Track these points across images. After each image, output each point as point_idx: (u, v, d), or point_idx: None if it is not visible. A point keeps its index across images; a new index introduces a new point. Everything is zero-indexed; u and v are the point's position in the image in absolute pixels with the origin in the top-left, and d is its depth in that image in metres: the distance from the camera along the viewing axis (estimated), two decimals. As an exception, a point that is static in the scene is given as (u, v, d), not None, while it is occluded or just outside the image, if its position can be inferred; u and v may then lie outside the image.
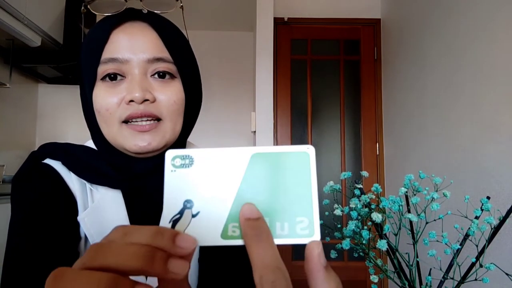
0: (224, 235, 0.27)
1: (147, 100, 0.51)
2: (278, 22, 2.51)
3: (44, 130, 2.67)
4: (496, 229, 0.66)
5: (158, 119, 0.53)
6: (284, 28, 2.54)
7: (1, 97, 2.20)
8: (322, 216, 0.77)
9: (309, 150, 0.29)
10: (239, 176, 0.27)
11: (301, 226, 0.27)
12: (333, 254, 0.70)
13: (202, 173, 0.28)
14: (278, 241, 0.27)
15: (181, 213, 0.27)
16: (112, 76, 0.52)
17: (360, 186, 0.70)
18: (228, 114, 2.95)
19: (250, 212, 0.26)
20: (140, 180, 0.54)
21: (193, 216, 0.27)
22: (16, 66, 2.18)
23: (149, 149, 0.52)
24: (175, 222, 0.27)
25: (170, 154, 0.28)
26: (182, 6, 0.59)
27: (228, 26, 2.95)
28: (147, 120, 0.52)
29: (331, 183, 0.72)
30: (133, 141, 0.51)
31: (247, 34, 3.00)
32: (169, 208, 0.27)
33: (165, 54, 0.53)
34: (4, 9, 1.58)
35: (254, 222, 0.25)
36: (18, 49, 2.02)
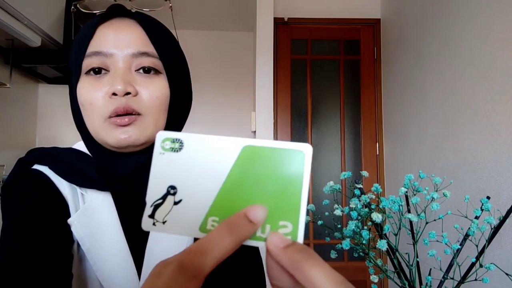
0: (203, 228, 0.26)
1: (129, 93, 0.50)
2: (278, 22, 2.51)
3: (44, 130, 2.67)
4: (496, 229, 0.66)
5: (139, 114, 0.52)
6: (284, 28, 2.54)
7: (1, 97, 2.20)
8: (322, 216, 0.77)
9: (305, 149, 0.26)
10: (227, 168, 0.26)
11: (284, 231, 0.25)
12: (333, 254, 0.70)
13: (190, 160, 0.26)
14: (254, 243, 0.25)
15: (163, 198, 0.26)
16: (96, 70, 0.51)
17: (360, 186, 0.70)
18: (228, 114, 2.96)
19: (283, 240, 0.24)
20: (127, 182, 0.54)
21: (175, 203, 0.26)
22: (16, 66, 2.18)
23: (130, 142, 0.51)
24: (156, 206, 0.26)
25: (160, 135, 0.27)
26: (171, 6, 0.60)
27: (228, 26, 2.95)
28: (129, 115, 0.51)
29: (331, 183, 0.72)
30: (114, 134, 0.51)
31: (247, 34, 3.00)
32: (153, 192, 0.27)
33: (151, 49, 0.53)
34: (4, 9, 1.58)
35: (295, 247, 0.24)
36: (18, 49, 2.01)
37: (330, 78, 2.56)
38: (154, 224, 0.27)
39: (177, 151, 0.27)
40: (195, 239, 0.61)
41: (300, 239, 0.25)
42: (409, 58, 2.06)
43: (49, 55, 2.11)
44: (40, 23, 1.83)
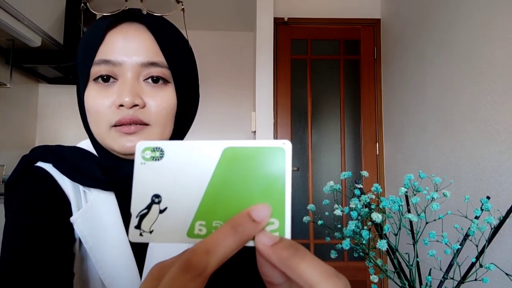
0: (190, 233, 0.26)
1: (136, 105, 0.50)
2: (278, 22, 2.51)
3: (44, 130, 2.67)
4: (496, 229, 0.66)
5: (146, 124, 0.52)
6: (284, 28, 2.54)
7: (1, 97, 2.20)
8: (322, 216, 0.77)
9: (285, 145, 0.26)
10: (209, 171, 0.26)
11: (271, 228, 0.25)
12: (333, 254, 0.70)
13: (171, 167, 0.26)
14: (248, 243, 0.25)
15: (148, 208, 0.26)
16: (104, 77, 0.51)
17: (360, 186, 0.70)
18: (228, 114, 2.96)
19: (270, 238, 0.24)
20: (131, 182, 0.54)
21: (161, 211, 0.26)
22: (17, 66, 2.18)
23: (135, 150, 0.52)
24: (142, 217, 0.26)
25: (140, 145, 0.27)
26: (183, 8, 0.59)
27: (229, 26, 2.95)
28: (135, 125, 0.51)
29: (331, 183, 0.72)
30: (120, 142, 0.51)
31: (247, 34, 3.01)
32: (137, 202, 0.26)
33: (160, 58, 0.52)
34: (4, 9, 1.58)
35: (283, 243, 0.24)
36: (19, 49, 2.02)
37: (330, 78, 2.56)
38: (141, 234, 0.26)
39: (158, 159, 0.27)
40: None
41: (288, 234, 0.25)
42: (409, 58, 2.06)
43: (49, 55, 2.11)
44: (40, 23, 1.83)
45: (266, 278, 0.26)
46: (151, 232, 0.26)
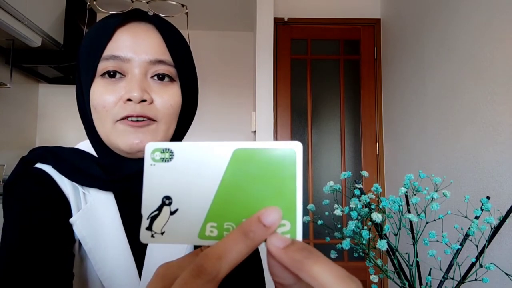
0: (202, 235, 0.26)
1: (144, 100, 0.51)
2: (278, 22, 2.51)
3: (45, 130, 2.67)
4: (496, 229, 0.66)
5: (153, 120, 0.53)
6: (284, 28, 2.54)
7: (1, 97, 2.20)
8: (322, 216, 0.77)
9: (296, 147, 0.26)
10: (220, 173, 0.26)
11: (282, 230, 0.25)
12: (333, 254, 0.70)
13: (182, 168, 0.26)
14: None
15: (159, 209, 0.26)
16: (111, 73, 0.52)
17: (360, 186, 0.70)
18: (228, 114, 2.96)
19: (282, 240, 0.24)
20: (131, 182, 0.54)
21: (172, 213, 0.26)
22: (17, 66, 2.18)
23: (141, 147, 0.52)
24: (153, 218, 0.26)
25: (149, 147, 0.27)
26: (187, 12, 0.60)
27: (229, 26, 2.95)
28: (142, 120, 0.52)
29: (331, 183, 0.72)
30: (126, 139, 0.51)
31: (247, 34, 3.01)
32: (148, 204, 0.27)
33: (167, 57, 0.54)
34: (4, 9, 1.58)
35: (295, 246, 0.24)
36: (19, 49, 2.02)
37: (330, 78, 2.56)
38: (152, 236, 0.27)
39: (168, 161, 0.27)
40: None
41: (299, 236, 0.25)
42: (409, 58, 2.06)
43: (49, 55, 2.12)
44: (40, 23, 1.83)
45: (276, 279, 0.26)
46: (162, 233, 0.27)
